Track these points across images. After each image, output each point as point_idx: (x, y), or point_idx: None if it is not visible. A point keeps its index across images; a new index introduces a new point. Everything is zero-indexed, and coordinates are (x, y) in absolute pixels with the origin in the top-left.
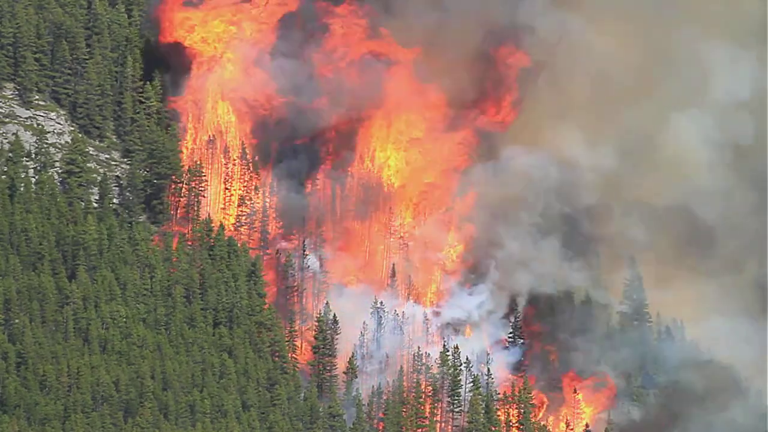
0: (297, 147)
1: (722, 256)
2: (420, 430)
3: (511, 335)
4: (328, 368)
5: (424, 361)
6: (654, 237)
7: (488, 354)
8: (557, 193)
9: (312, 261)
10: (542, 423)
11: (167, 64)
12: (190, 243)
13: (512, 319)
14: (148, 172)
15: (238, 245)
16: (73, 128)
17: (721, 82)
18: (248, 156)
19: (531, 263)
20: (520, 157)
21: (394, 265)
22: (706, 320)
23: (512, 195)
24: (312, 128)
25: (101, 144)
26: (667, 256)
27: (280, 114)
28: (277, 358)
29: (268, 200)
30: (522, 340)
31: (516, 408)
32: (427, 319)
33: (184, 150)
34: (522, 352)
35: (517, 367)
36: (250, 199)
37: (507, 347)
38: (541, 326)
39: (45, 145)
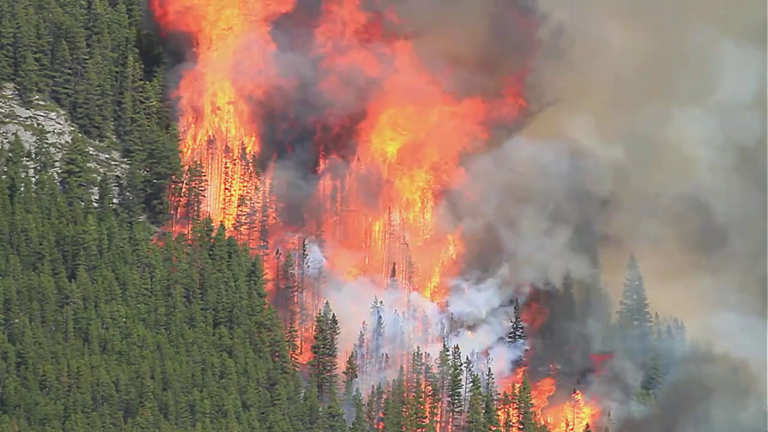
0: (298, 135)
1: (730, 254)
2: (420, 430)
3: (511, 333)
4: (327, 368)
5: (424, 360)
6: (661, 233)
7: (488, 354)
8: (565, 186)
9: (312, 260)
10: (542, 423)
11: (169, 51)
12: (190, 243)
13: (514, 316)
14: (148, 172)
15: (238, 245)
16: (73, 128)
17: (731, 80)
18: (248, 156)
19: (537, 258)
20: (526, 147)
21: (394, 264)
22: (711, 317)
23: (519, 186)
24: (313, 116)
25: (101, 144)
26: (674, 253)
27: (281, 100)
28: (277, 358)
29: (267, 199)
30: (523, 340)
31: (516, 408)
32: (426, 318)
33: (184, 149)
34: (524, 349)
35: (519, 363)
36: (251, 199)
37: (509, 343)
38: (544, 322)
39: (45, 145)
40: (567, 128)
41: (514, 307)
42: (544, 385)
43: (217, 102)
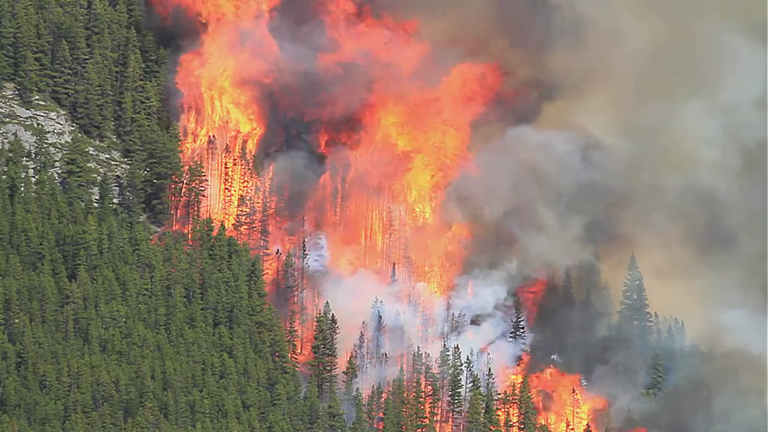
0: (302, 120)
1: (735, 251)
2: (420, 430)
3: (512, 331)
4: (327, 368)
5: (424, 360)
6: (666, 230)
7: (488, 353)
8: (573, 179)
9: (312, 260)
10: (542, 422)
11: (170, 42)
12: (190, 243)
13: (516, 311)
14: (148, 172)
15: (239, 245)
16: (73, 128)
17: (740, 78)
18: (248, 155)
19: (544, 252)
20: (534, 137)
21: (394, 264)
22: (713, 315)
23: (527, 178)
24: (316, 100)
25: (101, 144)
26: (678, 250)
27: (283, 85)
28: (277, 358)
29: (268, 200)
30: (523, 340)
31: (516, 408)
32: (426, 317)
33: (184, 149)
34: (523, 347)
35: (521, 358)
36: (251, 198)
37: (511, 338)
38: (546, 316)
39: (45, 145)
40: (574, 119)
41: (515, 304)
42: (546, 379)
43: (217, 81)
